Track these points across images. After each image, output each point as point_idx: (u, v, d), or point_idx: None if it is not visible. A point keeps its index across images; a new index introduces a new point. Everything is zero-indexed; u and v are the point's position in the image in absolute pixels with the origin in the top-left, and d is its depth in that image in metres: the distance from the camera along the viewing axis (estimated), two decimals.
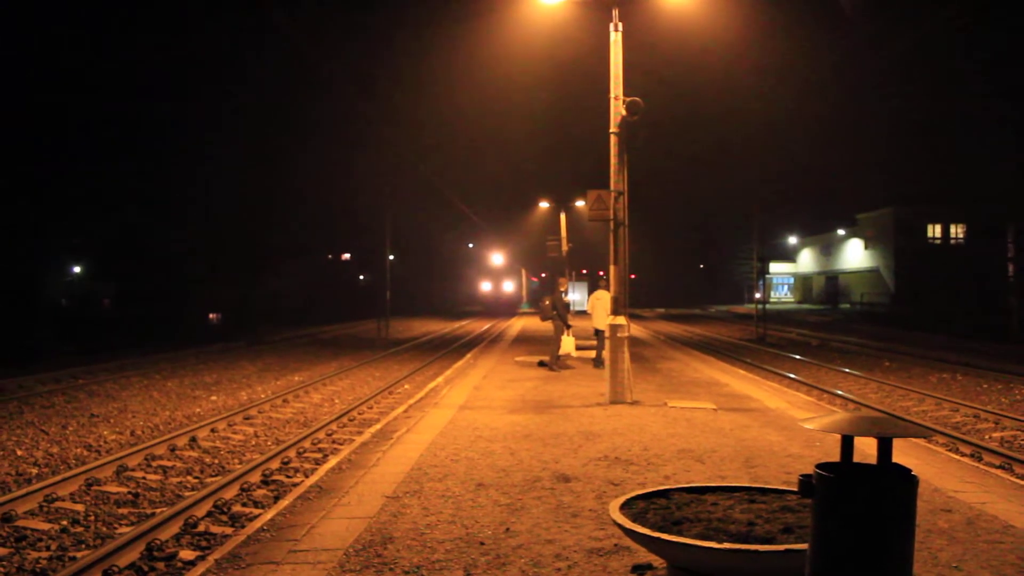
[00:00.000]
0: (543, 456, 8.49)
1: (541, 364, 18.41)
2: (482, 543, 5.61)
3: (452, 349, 27.03)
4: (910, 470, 3.17)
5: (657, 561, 4.97)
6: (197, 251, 52.51)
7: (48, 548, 6.86)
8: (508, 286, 65.26)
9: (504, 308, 61.89)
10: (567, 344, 17.96)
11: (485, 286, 63.33)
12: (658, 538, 4.06)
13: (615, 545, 5.49)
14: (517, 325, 40.70)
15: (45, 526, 7.42)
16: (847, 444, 3.28)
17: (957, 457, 9.10)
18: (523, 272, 75.92)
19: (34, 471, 9.69)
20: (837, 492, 3.12)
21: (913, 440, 9.30)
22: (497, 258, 66.50)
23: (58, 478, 8.70)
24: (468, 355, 22.25)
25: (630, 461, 8.22)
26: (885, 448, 3.19)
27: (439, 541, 5.67)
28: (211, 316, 47.34)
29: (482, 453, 8.67)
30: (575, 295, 55.44)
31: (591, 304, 18.16)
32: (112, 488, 8.81)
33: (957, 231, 63.88)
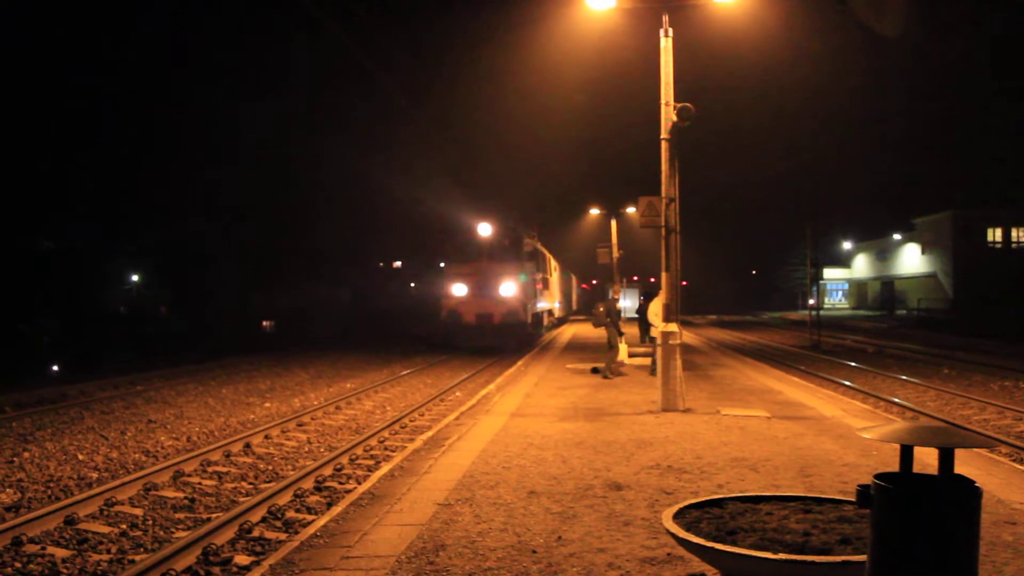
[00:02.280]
0: (595, 464, 8.45)
1: (595, 371, 18.35)
2: (534, 551, 5.60)
3: (503, 356, 27.04)
4: (973, 481, 3.09)
5: (711, 571, 4.92)
6: (249, 259, 53.36)
7: (108, 551, 7.01)
8: (508, 288, 30.07)
9: (498, 330, 30.06)
10: (621, 351, 17.90)
11: (457, 288, 30.09)
12: (712, 548, 4.02)
13: (668, 554, 5.44)
14: (568, 332, 40.61)
15: (105, 529, 7.57)
16: (907, 454, 3.21)
17: (1022, 468, 8.85)
18: (572, 276, 65.13)
19: (95, 475, 9.90)
20: (898, 503, 3.05)
21: (975, 449, 9.07)
22: (484, 228, 31.03)
23: (117, 482, 8.87)
24: (519, 362, 22.25)
25: (683, 469, 8.15)
26: (947, 458, 3.11)
27: (491, 549, 5.66)
28: (264, 323, 48.03)
29: (534, 461, 8.66)
30: (625, 302, 53.34)
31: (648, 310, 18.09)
32: (169, 493, 8.96)
33: (1019, 235, 62.26)
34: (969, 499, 3.03)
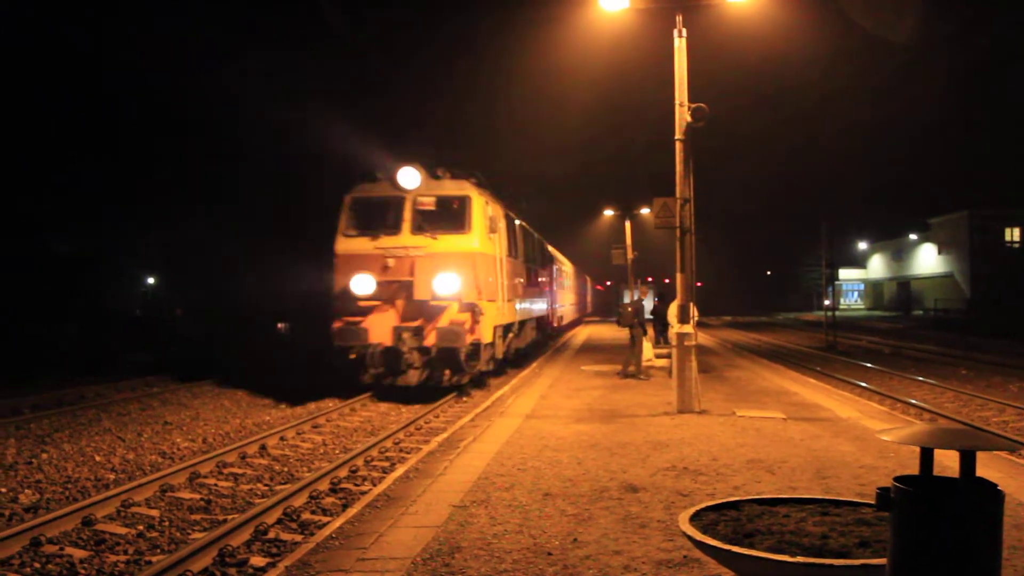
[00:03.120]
0: (610, 466, 8.43)
1: (620, 374, 18.18)
2: (549, 553, 5.58)
3: (517, 357, 27.04)
4: (995, 484, 3.06)
5: (727, 574, 4.87)
6: (261, 261, 53.39)
7: (125, 552, 7.03)
8: (447, 284, 15.53)
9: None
10: (646, 351, 17.83)
11: (358, 283, 15.55)
12: (729, 551, 3.98)
13: (684, 557, 5.42)
14: (583, 334, 40.56)
15: (122, 530, 7.60)
16: (927, 456, 3.18)
17: None
18: (587, 277, 67.38)
19: (111, 477, 9.95)
20: (918, 507, 3.02)
21: (995, 452, 8.99)
22: (408, 177, 16.23)
23: (134, 484, 8.91)
24: (534, 364, 22.23)
25: (699, 471, 8.12)
26: (968, 461, 3.08)
27: (506, 551, 5.65)
28: (279, 325, 48.09)
29: (549, 462, 8.64)
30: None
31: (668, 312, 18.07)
32: (185, 494, 8.99)
33: None
34: (992, 502, 3.00)
